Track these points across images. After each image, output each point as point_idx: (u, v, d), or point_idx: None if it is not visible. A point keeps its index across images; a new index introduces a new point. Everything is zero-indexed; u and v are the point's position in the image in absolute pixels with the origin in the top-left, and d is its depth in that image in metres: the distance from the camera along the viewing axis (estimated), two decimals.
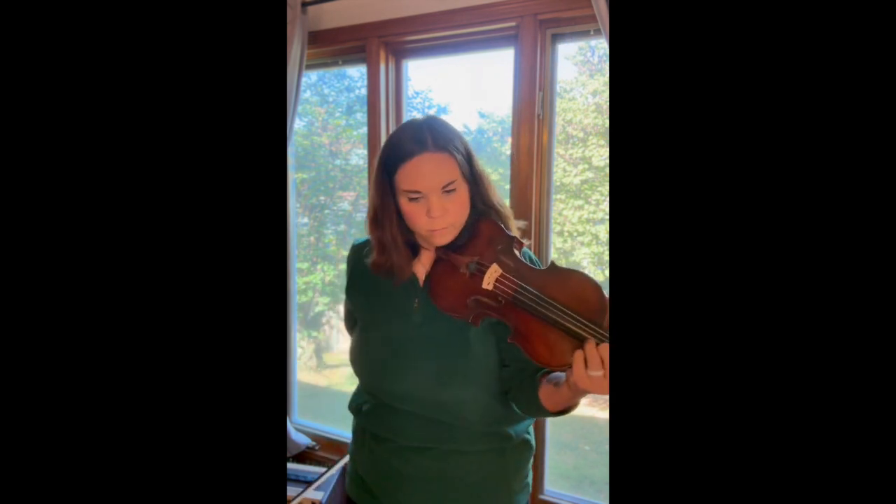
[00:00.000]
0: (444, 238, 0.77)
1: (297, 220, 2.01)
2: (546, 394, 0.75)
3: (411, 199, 0.75)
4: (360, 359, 0.88)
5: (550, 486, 1.48)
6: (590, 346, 0.65)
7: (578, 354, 0.65)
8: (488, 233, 0.79)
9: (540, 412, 0.77)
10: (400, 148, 0.75)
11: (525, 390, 0.78)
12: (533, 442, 0.92)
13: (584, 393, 0.68)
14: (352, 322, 0.94)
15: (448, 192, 0.74)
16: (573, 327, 0.69)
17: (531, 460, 0.92)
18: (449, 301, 0.78)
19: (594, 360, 0.63)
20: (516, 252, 0.78)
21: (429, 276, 0.82)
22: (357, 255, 0.91)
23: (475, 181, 0.79)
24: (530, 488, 0.93)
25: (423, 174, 0.73)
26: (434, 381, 0.80)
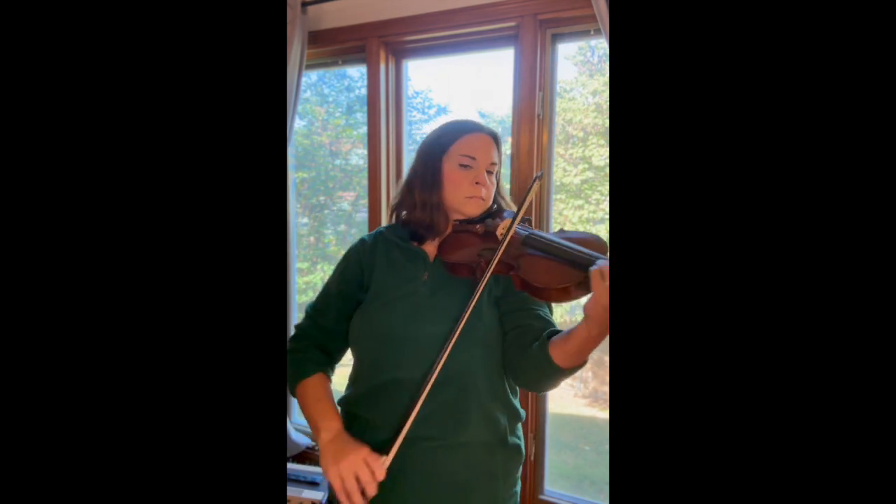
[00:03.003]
0: (477, 208, 0.89)
1: (297, 220, 2.01)
2: (556, 348, 0.76)
3: (462, 166, 0.88)
4: (364, 332, 0.89)
5: (550, 486, 1.48)
6: (604, 263, 0.68)
7: (595, 272, 0.67)
8: (501, 216, 0.91)
9: (550, 370, 0.77)
10: (463, 125, 0.91)
11: (531, 352, 0.80)
12: (523, 448, 0.92)
13: (600, 321, 0.68)
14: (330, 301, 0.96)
15: (489, 172, 0.90)
16: (579, 255, 0.73)
17: (520, 468, 0.93)
18: (458, 255, 0.86)
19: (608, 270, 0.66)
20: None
21: (441, 244, 0.90)
22: (373, 239, 0.97)
23: (498, 183, 0.95)
24: (518, 498, 0.93)
25: (480, 146, 0.89)
26: (442, 345, 0.80)
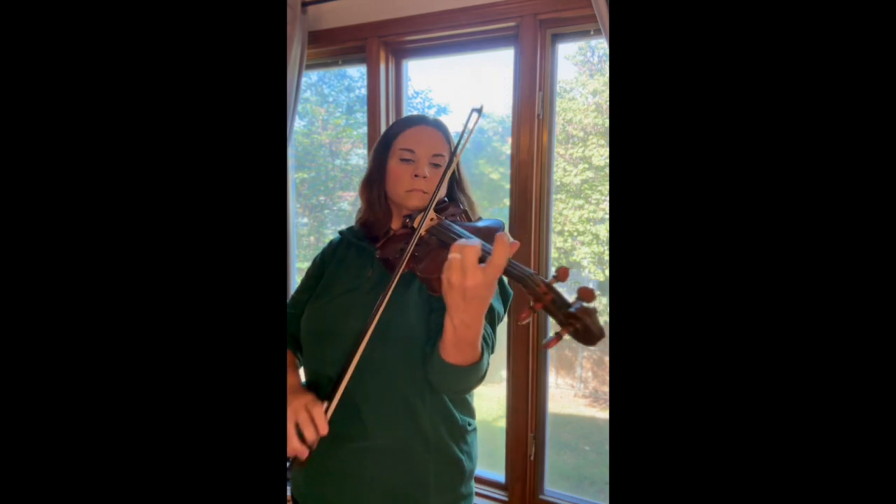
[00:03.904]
0: (419, 201, 0.88)
1: (297, 220, 2.01)
2: (441, 343, 0.73)
3: (403, 160, 0.88)
4: (304, 327, 0.89)
5: (550, 486, 1.48)
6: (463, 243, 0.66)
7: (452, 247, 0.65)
8: (449, 210, 0.90)
9: (441, 368, 0.74)
10: (406, 120, 0.93)
11: (432, 350, 0.77)
12: (467, 465, 0.88)
13: (450, 303, 0.65)
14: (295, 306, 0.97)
15: (434, 164, 0.89)
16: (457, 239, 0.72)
17: (465, 482, 0.89)
18: (387, 251, 0.85)
19: (455, 246, 0.64)
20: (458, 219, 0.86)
21: (384, 241, 0.90)
22: (334, 243, 1.00)
23: (458, 176, 0.95)
24: None
25: (420, 138, 0.89)
26: (370, 337, 0.79)
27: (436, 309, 0.84)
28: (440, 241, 0.77)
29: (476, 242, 0.63)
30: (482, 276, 0.62)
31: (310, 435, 0.74)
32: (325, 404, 0.76)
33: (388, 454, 0.83)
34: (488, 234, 0.73)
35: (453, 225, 0.80)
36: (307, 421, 0.74)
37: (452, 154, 0.82)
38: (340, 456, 0.83)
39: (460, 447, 0.88)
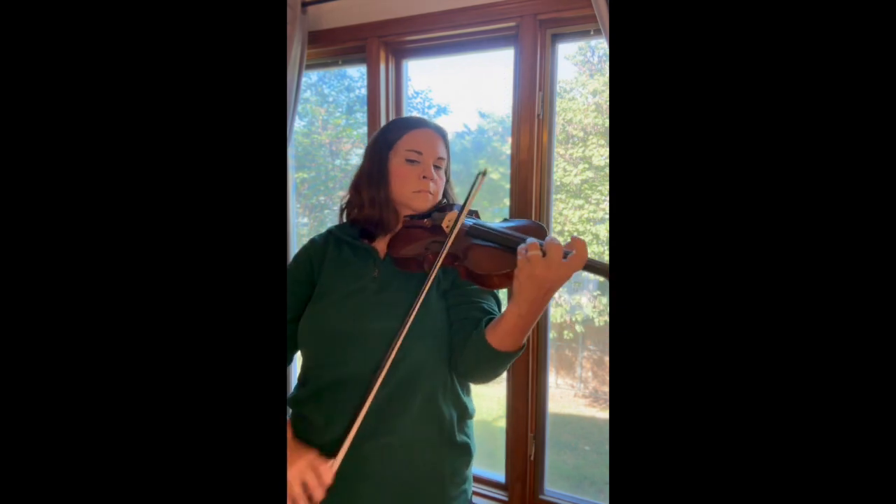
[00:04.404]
0: (425, 202, 0.91)
1: (297, 220, 2.01)
2: (491, 330, 0.77)
3: (409, 161, 0.90)
4: (311, 330, 0.88)
5: (550, 486, 1.48)
6: (531, 241, 0.71)
7: (520, 248, 0.71)
8: (452, 209, 0.92)
9: (486, 354, 0.78)
10: (408, 121, 0.95)
11: (470, 338, 0.81)
12: (473, 447, 0.92)
13: (525, 296, 0.70)
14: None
15: (437, 167, 0.92)
16: (516, 240, 0.76)
17: (470, 466, 0.93)
18: (407, 250, 0.86)
19: (533, 245, 0.69)
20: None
21: (391, 240, 0.91)
22: (323, 239, 0.98)
23: (448, 179, 0.98)
24: (469, 495, 0.93)
25: (426, 141, 0.91)
26: (389, 340, 0.80)
27: (453, 305, 0.87)
28: (480, 240, 0.80)
29: (557, 241, 0.69)
30: (566, 270, 0.68)
31: (318, 496, 0.77)
32: (331, 462, 0.78)
33: (406, 449, 0.83)
34: (529, 233, 0.78)
35: (494, 225, 0.83)
36: (315, 484, 0.77)
37: (463, 206, 0.84)
38: (353, 454, 0.82)
39: (465, 433, 0.91)
